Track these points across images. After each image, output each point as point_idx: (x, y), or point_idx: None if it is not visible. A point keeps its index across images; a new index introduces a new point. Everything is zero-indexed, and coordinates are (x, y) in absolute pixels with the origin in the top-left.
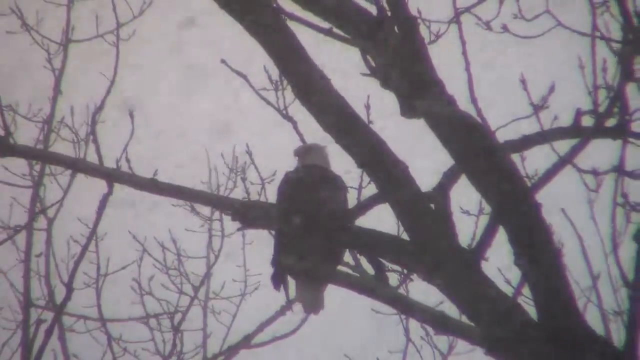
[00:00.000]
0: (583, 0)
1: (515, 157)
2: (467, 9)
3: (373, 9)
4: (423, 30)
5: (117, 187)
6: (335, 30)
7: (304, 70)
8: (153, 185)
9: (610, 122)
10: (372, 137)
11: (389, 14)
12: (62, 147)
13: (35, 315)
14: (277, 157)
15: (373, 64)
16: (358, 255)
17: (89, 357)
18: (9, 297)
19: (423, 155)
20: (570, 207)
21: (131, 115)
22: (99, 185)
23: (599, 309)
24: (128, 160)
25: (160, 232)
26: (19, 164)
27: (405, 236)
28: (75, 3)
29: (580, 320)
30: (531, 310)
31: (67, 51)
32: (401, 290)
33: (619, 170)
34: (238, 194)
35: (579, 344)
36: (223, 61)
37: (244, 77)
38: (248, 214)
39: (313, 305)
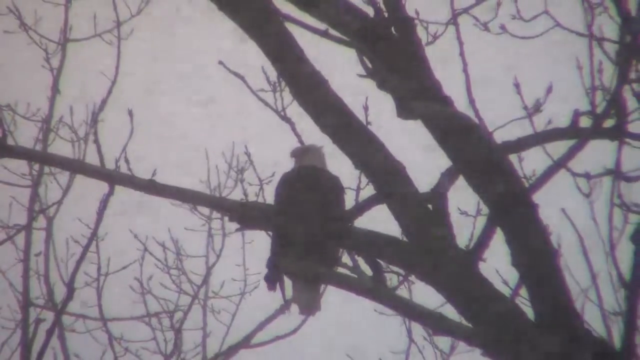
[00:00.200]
0: (581, 0)
1: (512, 158)
2: (465, 10)
3: (370, 10)
4: (421, 32)
5: (117, 187)
6: (331, 31)
7: (302, 71)
8: (152, 187)
9: (608, 123)
10: (369, 138)
11: (386, 15)
12: (61, 146)
13: (34, 314)
14: (276, 158)
15: (369, 65)
16: (356, 256)
17: (90, 357)
18: (8, 296)
19: (421, 156)
20: (570, 208)
21: (130, 115)
22: (100, 185)
23: (600, 309)
24: (127, 161)
25: (160, 232)
26: (18, 164)
27: (403, 237)
28: (72, 2)
29: (577, 321)
30: (529, 311)
31: (65, 50)
32: (399, 292)
33: (616, 172)
34: (237, 193)
35: (576, 345)
36: (221, 62)
37: (242, 78)
38: (246, 214)
39: (309, 306)
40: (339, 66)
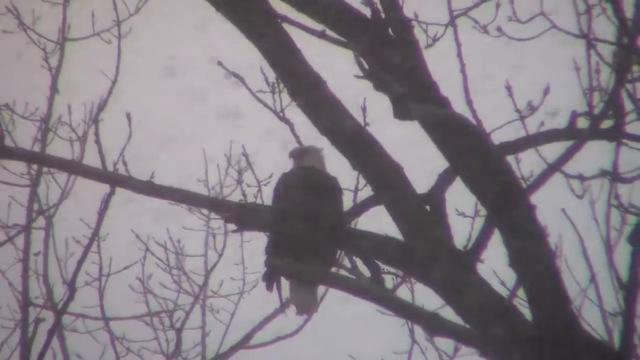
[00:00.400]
0: (579, 1)
1: (510, 159)
2: (464, 12)
3: (367, 11)
4: (419, 33)
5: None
6: (329, 32)
7: (300, 72)
8: (150, 188)
9: (606, 124)
10: (367, 139)
11: (383, 16)
12: (59, 146)
13: (34, 314)
14: (274, 159)
15: (366, 66)
16: (354, 257)
17: (92, 357)
18: (7, 296)
19: (418, 157)
20: (571, 208)
21: (128, 117)
22: (100, 184)
23: (600, 309)
24: (125, 163)
25: (160, 231)
26: (17, 163)
27: (401, 238)
28: (71, 2)
29: (575, 322)
30: (526, 312)
31: (64, 50)
32: (398, 293)
33: (612, 174)
34: (237, 193)
35: (574, 345)
36: (220, 63)
37: (241, 79)
38: (244, 216)
39: (306, 307)
40: (338, 67)
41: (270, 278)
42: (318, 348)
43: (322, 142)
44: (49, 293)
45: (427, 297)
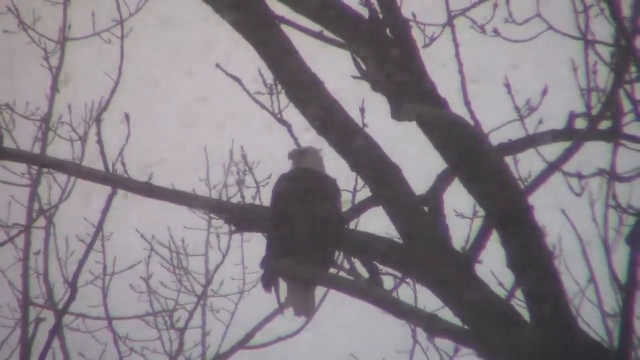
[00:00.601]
0: (577, 2)
1: (508, 160)
2: (461, 12)
3: (365, 12)
4: (417, 34)
5: None
6: (326, 33)
7: (298, 73)
8: (148, 189)
9: (604, 125)
10: (365, 140)
11: (380, 16)
12: (60, 145)
13: (34, 313)
14: (272, 161)
15: (364, 67)
16: (352, 258)
17: (95, 356)
18: (7, 295)
19: (417, 158)
20: (570, 209)
21: (127, 118)
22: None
23: (599, 309)
24: (124, 164)
25: (159, 231)
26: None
27: (399, 239)
28: (71, 1)
29: (573, 323)
30: (524, 313)
31: (64, 49)
32: (398, 293)
33: (610, 173)
34: (238, 194)
35: (571, 346)
36: (218, 65)
37: (239, 81)
38: (243, 217)
39: (304, 308)
40: (336, 67)
41: (268, 279)
42: (318, 348)
43: (320, 143)
44: (49, 292)
45: (429, 298)
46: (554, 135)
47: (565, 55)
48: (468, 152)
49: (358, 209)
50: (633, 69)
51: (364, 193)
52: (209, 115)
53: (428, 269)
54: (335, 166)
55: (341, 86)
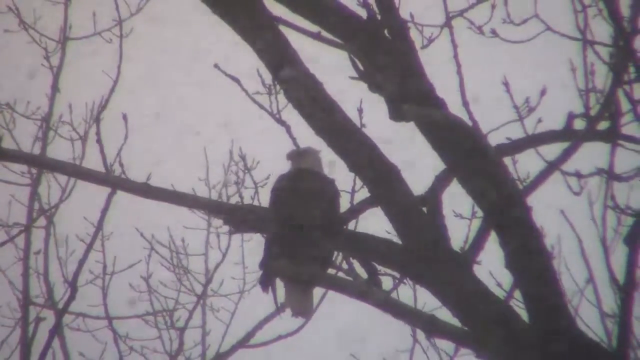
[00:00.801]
0: (574, 3)
1: (506, 160)
2: (460, 13)
3: (363, 13)
4: (416, 35)
5: None
6: (324, 34)
7: (296, 74)
8: (146, 190)
9: (602, 126)
10: (363, 141)
11: (379, 17)
12: (61, 145)
13: (34, 313)
14: (271, 161)
15: (362, 67)
16: (351, 259)
17: (95, 356)
18: (8, 295)
19: (415, 159)
20: (569, 209)
21: (125, 119)
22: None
23: (598, 310)
24: (122, 165)
25: (159, 230)
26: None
27: (397, 240)
28: (72, 1)
29: (572, 324)
30: (523, 314)
31: (65, 49)
32: (398, 293)
33: (608, 174)
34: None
35: (570, 347)
36: (216, 66)
37: (237, 81)
38: (241, 217)
39: (302, 309)
40: (334, 68)
41: (266, 280)
42: (318, 348)
43: (319, 144)
44: (49, 292)
45: (428, 298)
46: (553, 136)
47: (563, 55)
48: (466, 153)
49: (357, 209)
50: (631, 69)
51: (363, 194)
52: (208, 115)
53: (427, 270)
54: (334, 166)
55: (340, 86)
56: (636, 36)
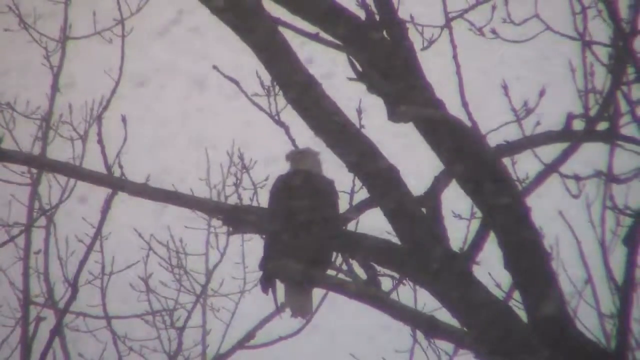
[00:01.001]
0: (574, 3)
1: (506, 161)
2: (459, 15)
3: (362, 13)
4: (416, 36)
5: None
6: (323, 35)
7: (295, 75)
8: (145, 191)
9: (601, 126)
10: (363, 142)
11: (377, 18)
12: (61, 145)
13: (34, 312)
14: (271, 162)
15: (360, 68)
16: (350, 259)
17: (94, 356)
18: (8, 294)
19: (414, 159)
20: (567, 210)
21: (124, 121)
22: None
23: (597, 311)
24: (121, 166)
25: (159, 230)
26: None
27: (397, 240)
28: (72, 0)
29: (571, 324)
30: (522, 314)
31: (65, 48)
32: (397, 294)
33: (607, 175)
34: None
35: (569, 347)
36: (215, 67)
37: (236, 82)
38: (239, 218)
39: (301, 309)
40: (334, 68)
41: (266, 280)
42: (318, 348)
43: (318, 145)
44: (50, 292)
45: (427, 299)
46: (552, 137)
47: (563, 55)
48: (465, 154)
49: (356, 210)
50: (630, 70)
51: (362, 194)
52: (208, 115)
53: (425, 271)
54: (334, 167)
55: (339, 87)
56: (635, 37)
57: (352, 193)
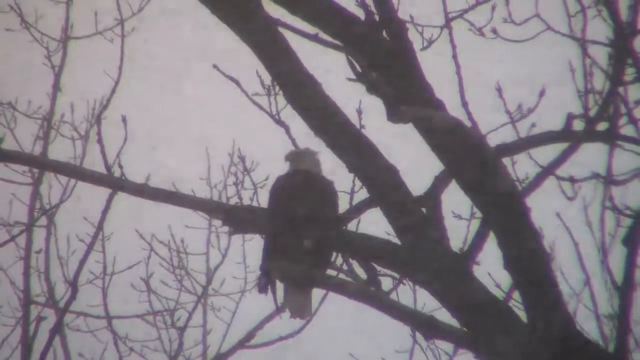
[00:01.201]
0: (573, 3)
1: (505, 161)
2: (459, 15)
3: (361, 13)
4: (416, 36)
5: None
6: (322, 35)
7: (295, 75)
8: (145, 191)
9: (601, 126)
10: (363, 142)
11: (377, 18)
12: (62, 144)
13: (35, 312)
14: (271, 162)
15: (359, 69)
16: (350, 259)
17: (94, 356)
18: (9, 294)
19: (414, 160)
20: (566, 210)
21: (124, 121)
22: None
23: (594, 314)
24: (121, 166)
25: (160, 229)
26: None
27: (397, 240)
28: (74, 0)
29: (570, 325)
30: (522, 314)
31: (67, 48)
32: (396, 294)
33: (606, 176)
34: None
35: (569, 347)
36: (215, 66)
37: (236, 82)
38: (239, 218)
39: (301, 310)
40: (333, 68)
41: (265, 281)
42: (318, 348)
43: (318, 145)
44: (50, 291)
45: (427, 299)
46: (552, 137)
47: (564, 55)
48: (465, 154)
49: (356, 210)
50: (630, 70)
51: (362, 194)
52: (207, 115)
53: (425, 271)
54: (333, 167)
55: (339, 87)
56: (635, 37)
57: (352, 193)
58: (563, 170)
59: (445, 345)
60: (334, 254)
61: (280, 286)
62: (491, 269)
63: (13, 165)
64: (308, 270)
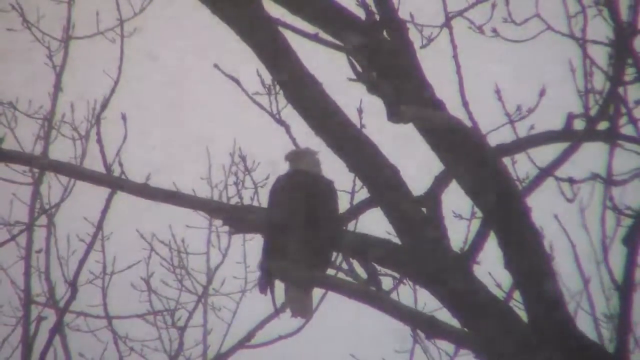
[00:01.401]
0: (573, 3)
1: (506, 161)
2: (459, 13)
3: (361, 13)
4: (415, 35)
5: None
6: (322, 35)
7: (295, 74)
8: (145, 191)
9: (602, 126)
10: (363, 142)
11: (377, 18)
12: (63, 144)
13: (35, 312)
14: (271, 162)
15: (359, 69)
16: (351, 259)
17: (95, 356)
18: (9, 294)
19: (414, 160)
20: (564, 211)
21: (124, 119)
22: None
23: (592, 315)
24: (121, 165)
25: (161, 229)
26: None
27: (397, 240)
28: (75, 0)
29: (570, 324)
30: (522, 314)
31: (68, 48)
32: (397, 294)
33: (606, 177)
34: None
35: (569, 347)
36: (216, 66)
37: (237, 81)
38: (239, 218)
39: (301, 309)
40: (333, 68)
41: (265, 281)
42: (318, 348)
43: (318, 145)
44: (51, 291)
45: (427, 299)
46: (553, 137)
47: (564, 55)
48: (465, 154)
49: (356, 210)
50: (630, 70)
51: (363, 194)
52: (208, 115)
53: (426, 271)
54: (333, 167)
55: (339, 87)
56: (635, 37)
57: (352, 193)
58: (562, 172)
59: (446, 346)
60: (334, 254)
61: (280, 286)
62: (491, 269)
63: (14, 165)
64: (308, 270)
